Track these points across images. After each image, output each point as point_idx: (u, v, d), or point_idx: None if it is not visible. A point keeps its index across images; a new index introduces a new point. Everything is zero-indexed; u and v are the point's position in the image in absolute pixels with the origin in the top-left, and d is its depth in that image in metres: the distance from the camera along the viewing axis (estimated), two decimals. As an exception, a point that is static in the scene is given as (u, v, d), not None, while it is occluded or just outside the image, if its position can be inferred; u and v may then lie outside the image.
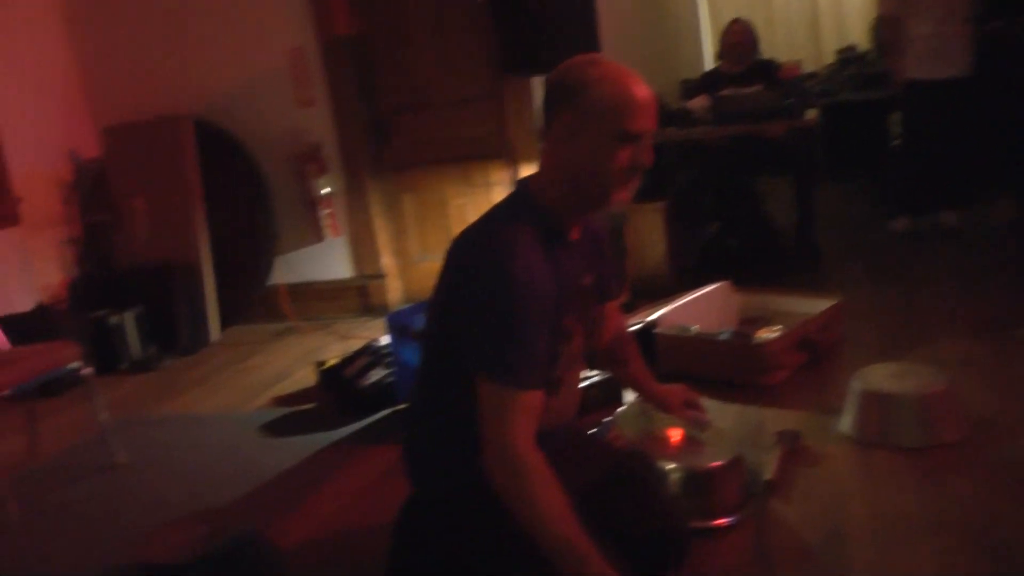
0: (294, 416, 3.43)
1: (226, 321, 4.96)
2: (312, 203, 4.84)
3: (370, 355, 3.39)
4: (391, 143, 4.86)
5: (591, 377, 2.95)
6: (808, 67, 7.66)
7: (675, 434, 2.20)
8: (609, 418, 2.60)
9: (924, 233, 5.04)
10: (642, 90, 1.58)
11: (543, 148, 1.69)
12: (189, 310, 4.71)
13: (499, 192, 4.69)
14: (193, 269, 4.78)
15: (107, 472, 3.10)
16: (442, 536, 1.70)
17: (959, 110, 4.87)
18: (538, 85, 4.37)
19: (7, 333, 3.23)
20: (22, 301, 4.55)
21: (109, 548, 2.50)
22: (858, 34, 8.78)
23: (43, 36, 4.98)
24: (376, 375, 3.31)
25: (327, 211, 4.84)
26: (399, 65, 4.74)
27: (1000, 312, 3.48)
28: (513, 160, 3.92)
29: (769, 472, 2.35)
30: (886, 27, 5.12)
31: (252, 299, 5.02)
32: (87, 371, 3.10)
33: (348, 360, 3.44)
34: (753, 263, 4.62)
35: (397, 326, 3.15)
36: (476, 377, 1.55)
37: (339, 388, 3.39)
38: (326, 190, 4.82)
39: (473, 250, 1.63)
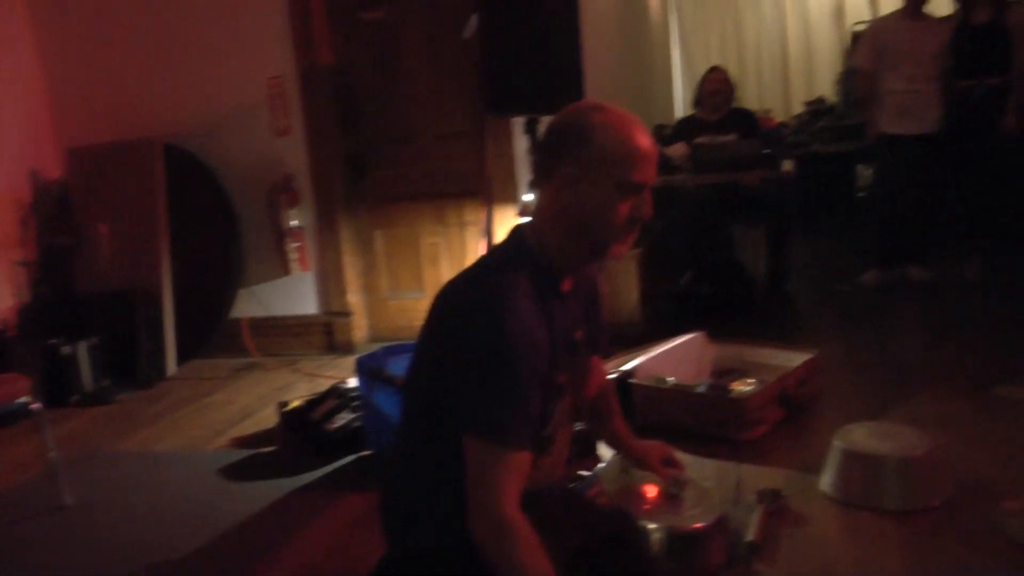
0: (256, 458, 3.29)
1: (185, 354, 4.80)
2: (281, 235, 4.73)
3: (337, 397, 3.28)
4: (367, 177, 4.79)
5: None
6: (777, 117, 7.80)
7: (651, 490, 2.13)
8: (589, 473, 2.52)
9: (894, 286, 5.06)
10: (646, 140, 1.54)
11: (541, 195, 1.63)
12: (148, 341, 4.55)
13: (473, 233, 4.63)
14: (154, 298, 4.63)
15: (55, 513, 2.93)
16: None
17: (929, 166, 4.95)
18: (518, 126, 4.33)
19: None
20: (-31, 325, 4.37)
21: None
22: (826, 86, 8.97)
23: (8, 51, 4.84)
24: (344, 419, 3.19)
25: (296, 244, 4.73)
26: (382, 97, 4.69)
27: (975, 369, 3.48)
28: (489, 201, 3.86)
29: (752, 533, 2.28)
30: (861, 81, 5.19)
31: (214, 332, 4.88)
32: (36, 406, 2.95)
33: (314, 402, 3.33)
34: (726, 313, 4.60)
35: (368, 369, 3.04)
36: (464, 434, 1.48)
37: (304, 431, 3.27)
38: (296, 223, 4.72)
39: (464, 301, 1.55)
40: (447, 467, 1.52)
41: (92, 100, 4.95)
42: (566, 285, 1.65)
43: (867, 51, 5.04)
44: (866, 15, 8.65)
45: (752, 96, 9.38)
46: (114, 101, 4.91)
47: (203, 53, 4.72)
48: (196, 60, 4.74)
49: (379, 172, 4.78)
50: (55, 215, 4.92)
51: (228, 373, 4.59)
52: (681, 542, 2.07)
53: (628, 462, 2.14)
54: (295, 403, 3.46)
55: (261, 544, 2.56)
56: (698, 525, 2.08)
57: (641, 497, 2.11)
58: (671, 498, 2.10)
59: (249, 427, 3.67)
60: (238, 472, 3.17)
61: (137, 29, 4.80)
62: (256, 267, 4.88)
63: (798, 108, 8.20)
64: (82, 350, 4.37)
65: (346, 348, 4.75)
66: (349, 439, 3.15)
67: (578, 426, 2.85)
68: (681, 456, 2.85)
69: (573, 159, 1.53)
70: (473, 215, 4.62)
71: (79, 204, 4.85)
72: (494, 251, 1.68)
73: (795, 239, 6.09)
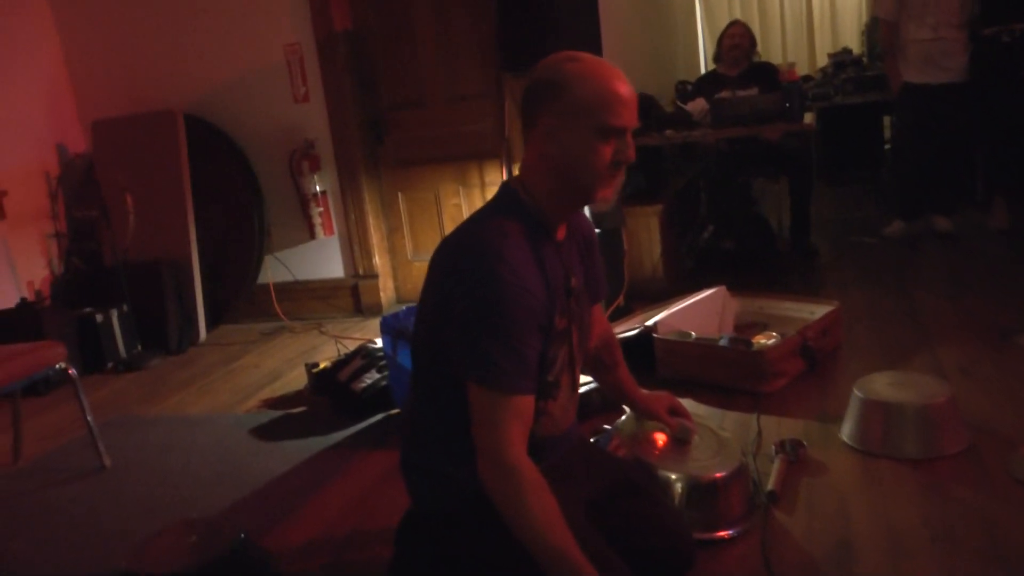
0: (286, 419, 3.37)
1: (215, 320, 4.90)
2: (305, 201, 4.78)
3: (364, 358, 3.34)
4: (386, 140, 4.81)
5: (592, 382, 2.91)
6: (802, 70, 7.67)
7: (661, 438, 2.15)
8: (610, 426, 2.56)
9: (918, 238, 5.03)
10: (623, 86, 1.56)
11: (526, 146, 1.65)
12: (178, 309, 4.64)
13: (494, 193, 4.64)
14: (182, 266, 4.71)
15: (94, 474, 3.03)
16: (443, 553, 1.67)
17: (953, 115, 4.88)
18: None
19: (-10, 329, 3.17)
20: (4, 297, 4.47)
21: (96, 554, 2.45)
22: (851, 38, 8.82)
23: (30, 28, 4.90)
24: (371, 378, 3.25)
25: (320, 209, 4.78)
26: (398, 62, 4.70)
27: (996, 318, 3.47)
28: (509, 160, 3.87)
29: (772, 482, 2.31)
30: (884, 31, 5.11)
31: (242, 298, 4.96)
32: (72, 371, 3.03)
33: (342, 363, 3.39)
34: (749, 266, 4.60)
35: (392, 329, 3.09)
36: (467, 383, 1.52)
37: (332, 391, 3.34)
38: (319, 188, 4.76)
39: (459, 252, 1.59)
40: (457, 420, 1.55)
41: (112, 73, 5.00)
42: (560, 233, 1.68)
43: (889, 1, 4.96)
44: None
45: (777, 49, 9.25)
46: (133, 73, 4.96)
47: (219, 23, 4.75)
48: (212, 30, 4.77)
49: (398, 135, 4.80)
50: (82, 188, 5.01)
51: (257, 337, 4.67)
52: (701, 491, 2.10)
53: (634, 413, 2.16)
54: (323, 364, 3.53)
55: (290, 500, 2.63)
56: (718, 474, 2.11)
57: (651, 444, 2.14)
58: (679, 445, 2.13)
59: (278, 389, 3.75)
60: (269, 432, 3.25)
61: (153, 1, 4.83)
62: (282, 233, 4.94)
63: (824, 60, 8.07)
64: (115, 318, 4.46)
65: (373, 310, 4.82)
66: (376, 398, 3.22)
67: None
68: (703, 409, 2.92)
69: (553, 109, 1.56)
70: (494, 175, 4.63)
71: (104, 176, 4.92)
72: (486, 205, 1.71)
73: (820, 192, 6.05)
